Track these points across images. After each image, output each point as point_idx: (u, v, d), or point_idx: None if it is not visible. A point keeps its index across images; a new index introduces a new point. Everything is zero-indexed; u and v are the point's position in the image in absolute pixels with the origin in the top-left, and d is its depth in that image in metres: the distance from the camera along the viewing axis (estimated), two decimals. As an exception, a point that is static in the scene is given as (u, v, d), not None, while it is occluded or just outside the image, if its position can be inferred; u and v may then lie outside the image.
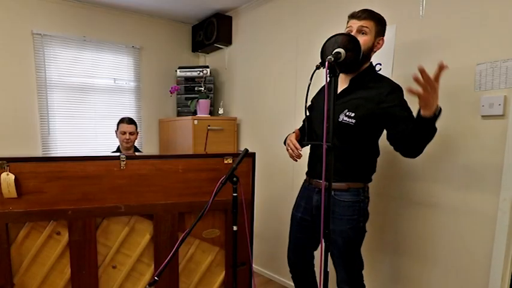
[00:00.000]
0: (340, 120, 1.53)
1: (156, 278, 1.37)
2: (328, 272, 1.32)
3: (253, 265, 2.86)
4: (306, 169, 1.78)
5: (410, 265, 1.94)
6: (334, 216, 1.57)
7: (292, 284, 1.89)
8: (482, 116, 1.62)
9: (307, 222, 1.72)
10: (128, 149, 2.76)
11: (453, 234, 1.75)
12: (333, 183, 1.53)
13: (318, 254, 1.51)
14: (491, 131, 1.60)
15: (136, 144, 3.28)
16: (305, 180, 1.79)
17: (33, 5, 2.75)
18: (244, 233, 1.69)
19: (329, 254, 1.62)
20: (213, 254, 1.85)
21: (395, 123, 1.46)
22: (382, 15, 1.56)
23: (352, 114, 1.51)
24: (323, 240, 1.33)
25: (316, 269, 1.84)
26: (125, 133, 2.71)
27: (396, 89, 1.51)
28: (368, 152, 1.61)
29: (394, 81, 1.56)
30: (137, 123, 2.83)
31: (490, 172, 1.61)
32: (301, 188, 1.81)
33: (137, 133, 2.80)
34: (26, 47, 2.74)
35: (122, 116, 2.80)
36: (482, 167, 1.63)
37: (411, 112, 1.46)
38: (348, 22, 1.57)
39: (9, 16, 2.67)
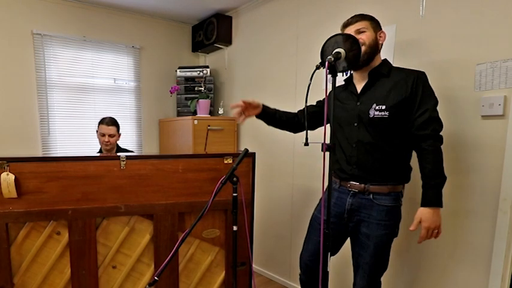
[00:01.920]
0: (371, 116, 1.50)
1: (156, 278, 1.37)
2: (328, 272, 1.32)
3: (253, 265, 2.86)
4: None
5: (409, 265, 1.94)
6: (370, 221, 1.52)
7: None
8: (482, 116, 1.62)
9: (333, 225, 1.59)
10: (108, 151, 2.56)
11: (453, 234, 1.75)
12: (372, 186, 1.52)
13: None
14: (491, 131, 1.60)
15: (134, 144, 3.29)
16: (334, 181, 1.69)
17: (34, 4, 2.75)
18: (244, 233, 1.69)
19: (327, 256, 1.60)
20: (213, 254, 1.85)
21: (414, 118, 1.47)
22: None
23: (383, 107, 1.47)
24: (322, 240, 1.32)
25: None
26: (104, 135, 2.51)
27: (420, 76, 1.48)
28: (405, 148, 1.54)
29: (414, 69, 1.54)
30: (119, 124, 2.61)
31: (490, 172, 1.61)
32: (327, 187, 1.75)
33: (119, 135, 2.60)
34: (26, 47, 2.74)
35: (103, 116, 2.59)
36: (482, 167, 1.63)
37: (431, 103, 1.46)
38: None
39: (9, 16, 2.67)
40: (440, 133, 1.46)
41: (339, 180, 1.64)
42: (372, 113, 1.50)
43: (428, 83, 1.49)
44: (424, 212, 1.43)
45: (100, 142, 2.57)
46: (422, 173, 1.46)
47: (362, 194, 1.54)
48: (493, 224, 1.61)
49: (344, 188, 1.61)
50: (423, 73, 1.50)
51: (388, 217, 1.51)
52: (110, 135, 2.51)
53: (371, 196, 1.52)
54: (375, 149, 1.51)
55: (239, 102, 1.66)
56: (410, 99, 1.46)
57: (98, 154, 2.42)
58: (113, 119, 2.58)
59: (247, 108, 1.69)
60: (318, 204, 1.77)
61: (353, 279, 1.65)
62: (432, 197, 1.43)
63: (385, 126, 1.49)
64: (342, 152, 1.61)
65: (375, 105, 1.50)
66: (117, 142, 2.65)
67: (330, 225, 1.65)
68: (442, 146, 1.46)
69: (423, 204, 1.44)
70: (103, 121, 2.54)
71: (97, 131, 2.59)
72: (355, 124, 1.55)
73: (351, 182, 1.57)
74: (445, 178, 1.45)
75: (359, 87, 1.58)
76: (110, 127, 2.52)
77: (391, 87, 1.49)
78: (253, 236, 1.91)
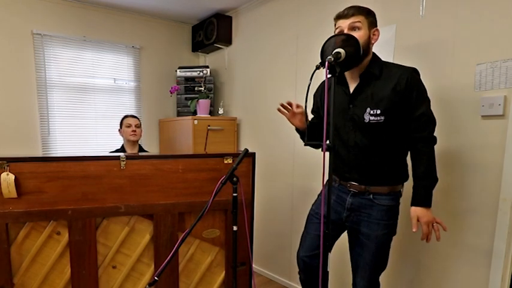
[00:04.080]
0: (367, 121, 1.46)
1: (156, 278, 1.37)
2: (328, 272, 1.32)
3: (253, 265, 2.87)
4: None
5: (410, 265, 1.94)
6: (370, 220, 1.52)
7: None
8: (482, 116, 1.62)
9: (332, 223, 1.57)
10: (134, 143, 2.70)
11: (453, 234, 1.75)
12: (372, 187, 1.52)
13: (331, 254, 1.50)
14: (491, 131, 1.60)
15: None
16: (333, 179, 1.66)
17: (33, 4, 2.75)
18: (244, 233, 1.69)
19: (327, 256, 1.58)
20: (213, 254, 1.85)
21: (410, 120, 1.45)
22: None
23: (378, 111, 1.44)
24: (322, 241, 1.32)
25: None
26: (130, 125, 2.65)
27: (413, 75, 1.44)
28: (402, 148, 1.52)
29: (405, 65, 1.49)
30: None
31: (490, 172, 1.61)
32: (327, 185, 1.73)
33: (141, 130, 2.75)
34: (26, 47, 2.74)
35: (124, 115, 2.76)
36: (482, 167, 1.63)
37: (426, 103, 1.44)
38: (335, 24, 1.50)
39: (9, 16, 2.67)
40: (435, 133, 1.47)
41: (339, 179, 1.62)
42: (367, 118, 1.47)
43: (421, 81, 1.46)
44: (418, 211, 1.45)
45: (127, 135, 2.67)
46: (415, 174, 1.48)
47: (362, 194, 1.54)
48: (493, 224, 1.61)
49: (344, 187, 1.60)
50: (415, 71, 1.46)
51: (387, 216, 1.51)
52: (135, 125, 2.67)
53: (371, 196, 1.52)
54: (372, 153, 1.50)
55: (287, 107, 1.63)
56: (405, 101, 1.43)
57: (116, 154, 2.42)
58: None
59: (291, 115, 1.66)
60: (316, 200, 1.75)
61: (352, 279, 1.65)
62: (424, 197, 1.45)
63: (382, 130, 1.47)
64: (339, 155, 1.59)
65: (369, 109, 1.46)
66: (140, 144, 2.80)
67: (325, 221, 1.65)
68: (438, 147, 1.46)
69: (415, 204, 1.46)
70: (127, 116, 2.72)
71: (119, 130, 2.72)
72: (351, 128, 1.52)
73: (351, 182, 1.56)
74: (436, 180, 1.46)
75: (351, 87, 1.53)
76: (135, 119, 2.72)
77: (383, 89, 1.44)
78: (253, 236, 1.91)
